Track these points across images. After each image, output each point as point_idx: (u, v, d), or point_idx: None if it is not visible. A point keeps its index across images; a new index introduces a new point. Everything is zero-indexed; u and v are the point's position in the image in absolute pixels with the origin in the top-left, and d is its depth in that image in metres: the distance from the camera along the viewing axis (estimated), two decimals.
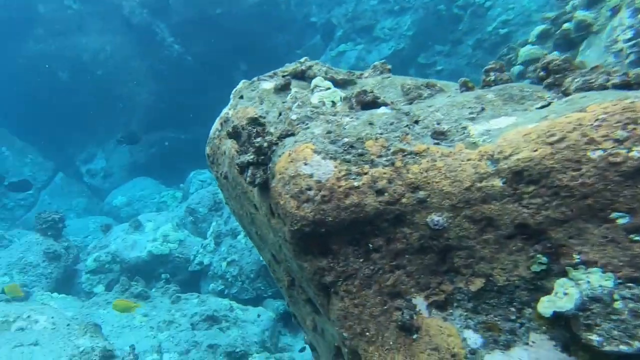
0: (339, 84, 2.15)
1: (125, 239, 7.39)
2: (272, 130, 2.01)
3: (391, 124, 1.78)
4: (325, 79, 2.12)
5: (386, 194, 1.63)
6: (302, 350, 5.94)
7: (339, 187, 1.66)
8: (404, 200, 1.61)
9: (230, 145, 2.27)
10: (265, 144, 1.91)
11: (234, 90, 2.61)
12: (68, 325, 4.24)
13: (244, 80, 2.60)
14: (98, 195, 12.35)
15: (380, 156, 1.68)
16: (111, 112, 12.30)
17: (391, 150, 1.69)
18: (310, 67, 2.26)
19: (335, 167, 1.69)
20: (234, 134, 2.06)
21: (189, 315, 5.83)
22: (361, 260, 1.68)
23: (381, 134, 1.75)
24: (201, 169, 10.50)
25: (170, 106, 11.73)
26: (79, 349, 4.04)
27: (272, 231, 2.08)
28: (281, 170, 1.77)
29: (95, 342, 4.18)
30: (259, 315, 5.91)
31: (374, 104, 1.90)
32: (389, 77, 2.11)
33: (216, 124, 2.59)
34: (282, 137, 1.94)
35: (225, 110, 2.53)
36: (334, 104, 2.00)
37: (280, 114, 2.09)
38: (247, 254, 6.87)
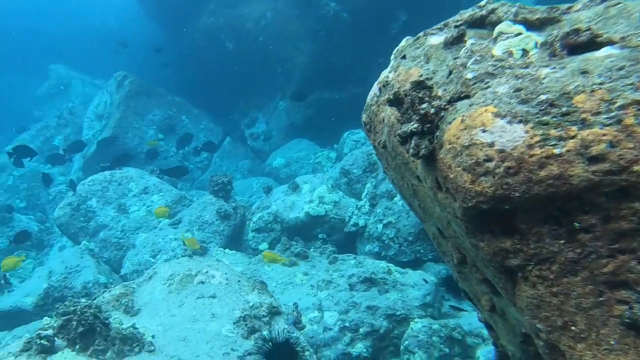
0: (534, 25, 1.75)
1: (285, 200, 7.94)
2: (440, 93, 1.78)
3: (620, 68, 1.37)
4: (515, 22, 1.75)
5: (606, 161, 1.30)
6: (454, 308, 5.75)
7: (532, 155, 1.40)
8: (636, 168, 1.26)
9: (390, 113, 2.11)
10: (432, 110, 1.71)
11: (396, 49, 2.41)
12: (239, 281, 4.76)
13: (407, 38, 2.38)
14: (260, 157, 13.57)
15: (598, 113, 1.33)
16: (271, 77, 13.19)
17: (617, 104, 1.31)
18: (492, 11, 1.89)
19: (527, 132, 1.41)
20: (395, 101, 1.88)
21: (346, 275, 6.00)
22: (562, 241, 1.42)
23: (601, 84, 1.36)
24: (355, 128, 10.59)
25: (326, 66, 11.97)
26: (249, 303, 4.51)
27: (438, 206, 1.91)
28: (451, 140, 1.59)
29: (262, 299, 4.61)
30: (425, 281, 5.78)
31: (591, 45, 1.47)
32: (618, 3, 1.63)
33: (374, 89, 2.43)
34: (453, 100, 1.71)
35: (384, 74, 2.35)
36: (525, 52, 1.64)
37: (450, 73, 1.83)
38: (405, 216, 6.76)
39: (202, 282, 4.72)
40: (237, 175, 12.76)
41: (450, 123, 1.64)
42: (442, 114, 1.72)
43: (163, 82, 13.89)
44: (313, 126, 12.61)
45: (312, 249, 7.11)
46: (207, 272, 4.81)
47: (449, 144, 1.61)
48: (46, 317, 5.97)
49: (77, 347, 3.76)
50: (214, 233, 7.86)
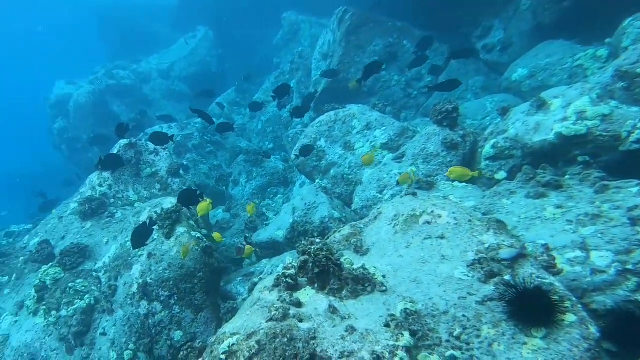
0: None
1: (527, 121, 6.72)
2: None
3: None
4: None
5: None
6: None
7: None
8: None
9: None
10: None
11: None
12: (470, 221, 4.29)
13: None
14: (496, 70, 12.12)
15: None
16: None
17: None
18: None
19: None
20: None
21: (624, 207, 4.78)
22: None
23: None
24: None
25: None
26: (484, 245, 4.03)
27: None
28: None
29: (500, 239, 4.06)
30: None
31: None
32: None
33: None
34: None
35: None
36: None
37: None
38: None
39: (428, 223, 4.46)
40: (468, 95, 11.76)
41: None
42: None
43: (385, 8, 13.56)
44: (570, 23, 10.20)
45: (567, 177, 5.96)
46: (432, 211, 4.52)
47: None
48: (288, 256, 6.90)
49: (316, 285, 4.06)
50: (440, 165, 7.41)
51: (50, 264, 7.81)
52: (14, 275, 8.66)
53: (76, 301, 7.16)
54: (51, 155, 24.99)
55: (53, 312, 7.15)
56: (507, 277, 3.80)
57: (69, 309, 7.09)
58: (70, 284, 7.35)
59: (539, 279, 3.75)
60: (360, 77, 9.02)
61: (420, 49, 10.87)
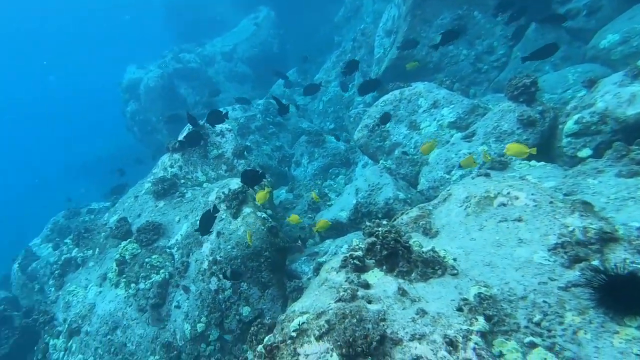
0: None
1: (619, 93, 6.12)
2: None
3: None
4: None
5: None
6: None
7: None
8: None
9: None
10: None
11: None
12: (551, 202, 4.02)
13: None
14: (580, 38, 11.14)
15: None
16: None
17: None
18: None
19: None
20: None
21: None
22: None
23: None
24: None
25: None
26: (568, 228, 3.77)
27: None
28: None
29: (587, 222, 3.77)
30: None
31: None
32: None
33: None
34: None
35: None
36: None
37: None
38: None
39: (504, 205, 4.24)
40: (546, 67, 10.95)
41: None
42: None
43: None
44: None
45: None
46: (508, 193, 4.28)
47: None
48: (354, 237, 6.86)
49: (384, 267, 4.02)
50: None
51: (129, 240, 8.33)
52: (97, 249, 9.35)
53: (152, 275, 7.60)
54: (124, 137, 26.49)
55: (132, 285, 7.66)
56: (595, 263, 3.55)
57: (147, 282, 7.56)
58: (146, 259, 7.81)
59: (634, 265, 3.46)
60: (437, 42, 8.49)
61: (500, 10, 10.13)
